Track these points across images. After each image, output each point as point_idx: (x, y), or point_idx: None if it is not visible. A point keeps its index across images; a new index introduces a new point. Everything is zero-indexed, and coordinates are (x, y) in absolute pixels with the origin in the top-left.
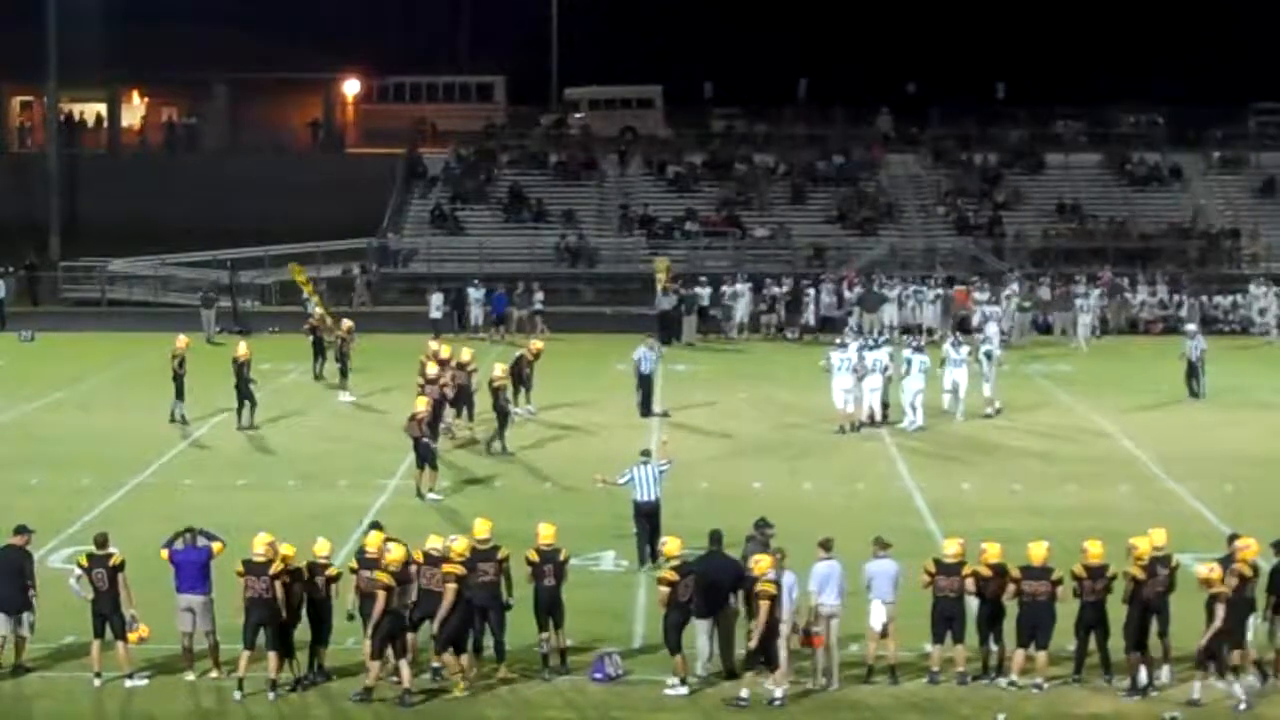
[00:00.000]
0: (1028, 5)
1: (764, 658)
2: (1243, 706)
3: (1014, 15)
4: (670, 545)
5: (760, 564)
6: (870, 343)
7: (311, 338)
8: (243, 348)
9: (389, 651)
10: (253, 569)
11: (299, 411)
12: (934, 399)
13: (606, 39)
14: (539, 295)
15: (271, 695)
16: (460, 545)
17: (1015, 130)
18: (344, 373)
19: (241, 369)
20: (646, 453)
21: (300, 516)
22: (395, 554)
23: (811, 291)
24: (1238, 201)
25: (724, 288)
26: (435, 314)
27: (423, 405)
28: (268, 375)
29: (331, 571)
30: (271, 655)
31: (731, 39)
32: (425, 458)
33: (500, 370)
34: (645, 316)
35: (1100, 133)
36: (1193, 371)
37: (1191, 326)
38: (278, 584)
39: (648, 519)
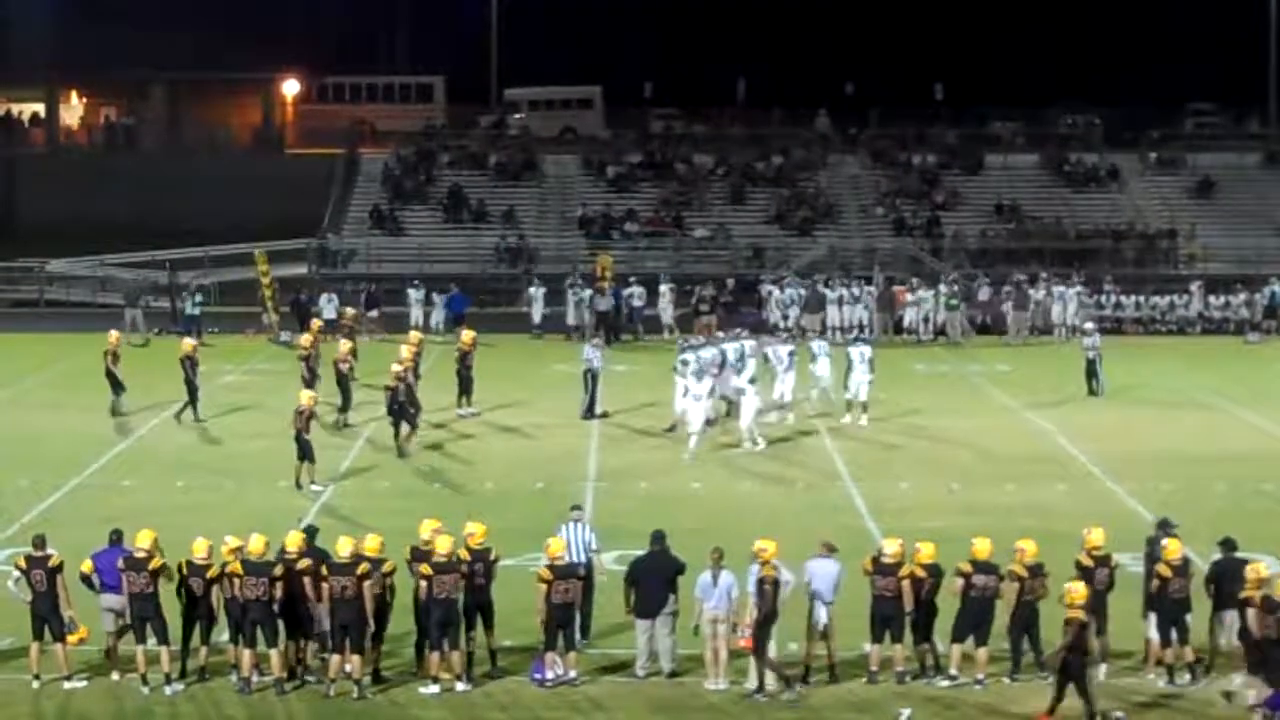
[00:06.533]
0: (966, 6)
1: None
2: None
3: (952, 16)
4: (554, 546)
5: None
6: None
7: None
8: (188, 343)
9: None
10: (251, 569)
11: (237, 410)
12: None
13: (546, 40)
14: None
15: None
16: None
17: (953, 131)
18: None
19: (187, 364)
20: (578, 508)
21: (239, 516)
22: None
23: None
24: (1174, 202)
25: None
26: (331, 314)
27: (305, 400)
28: (206, 376)
29: (212, 573)
30: (245, 653)
31: (671, 40)
32: (305, 452)
33: (395, 370)
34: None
35: (1038, 133)
36: (1091, 370)
37: (1090, 325)
38: (277, 585)
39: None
